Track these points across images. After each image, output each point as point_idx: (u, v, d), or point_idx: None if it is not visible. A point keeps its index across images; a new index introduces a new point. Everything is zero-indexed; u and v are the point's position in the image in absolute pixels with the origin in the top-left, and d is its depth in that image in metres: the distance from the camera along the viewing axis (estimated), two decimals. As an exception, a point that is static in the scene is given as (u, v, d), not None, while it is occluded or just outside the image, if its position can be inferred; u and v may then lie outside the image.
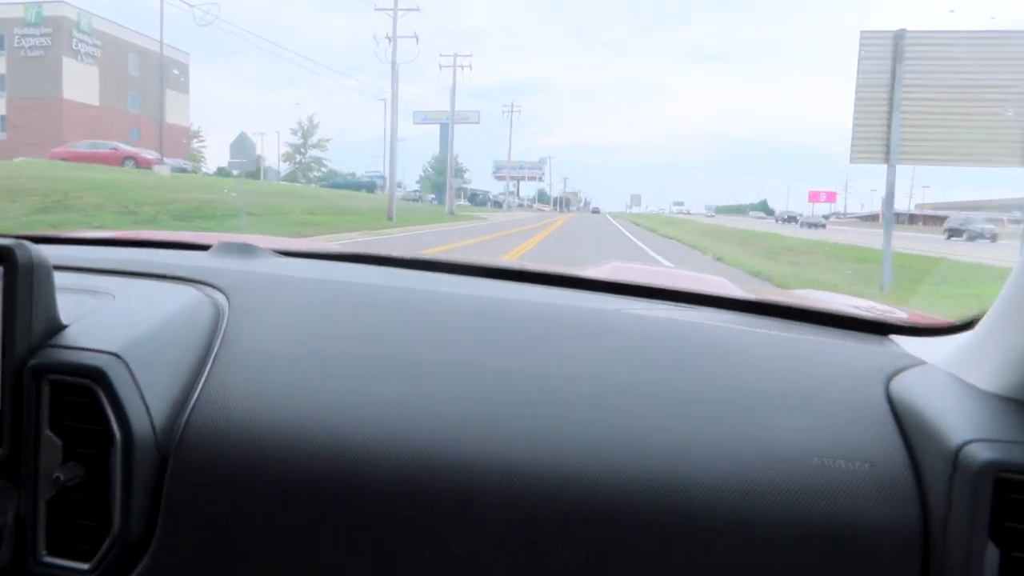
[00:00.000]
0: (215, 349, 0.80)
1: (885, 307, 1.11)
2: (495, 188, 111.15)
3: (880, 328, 0.89)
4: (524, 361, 0.78)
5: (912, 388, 0.72)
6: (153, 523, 0.72)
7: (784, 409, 0.71)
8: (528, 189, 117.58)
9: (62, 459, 0.71)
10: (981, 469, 0.58)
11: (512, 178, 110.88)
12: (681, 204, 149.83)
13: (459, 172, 61.89)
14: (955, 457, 0.60)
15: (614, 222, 40.69)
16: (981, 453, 0.59)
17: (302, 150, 56.13)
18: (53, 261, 0.73)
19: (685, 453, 0.68)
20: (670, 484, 0.66)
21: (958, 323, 0.80)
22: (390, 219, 23.37)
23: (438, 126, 65.52)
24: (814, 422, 0.70)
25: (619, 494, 0.66)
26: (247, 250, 1.07)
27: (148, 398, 0.72)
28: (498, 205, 62.43)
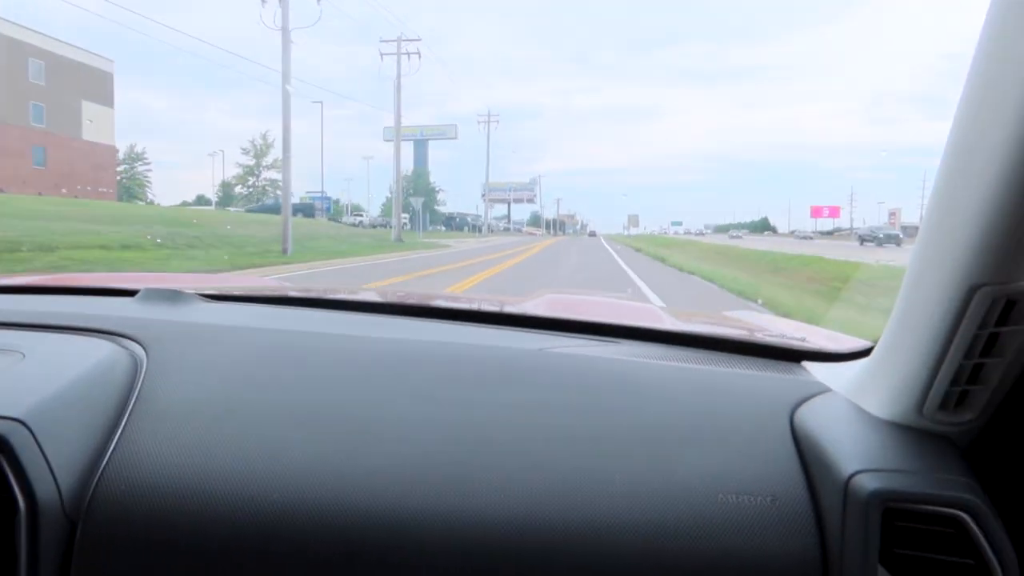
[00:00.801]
0: (129, 407, 0.78)
1: (802, 328, 1.14)
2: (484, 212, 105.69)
3: (792, 355, 0.92)
4: (448, 408, 0.78)
5: (813, 418, 0.73)
6: None
7: (693, 444, 0.73)
8: (523, 212, 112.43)
9: None
10: (868, 499, 0.60)
11: (501, 200, 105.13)
12: (680, 224, 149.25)
13: (430, 192, 55.05)
14: (845, 488, 0.62)
15: (608, 246, 34.15)
16: (868, 483, 0.61)
17: (255, 172, 49.47)
18: None
19: (600, 493, 0.69)
20: (586, 525, 0.67)
21: (863, 348, 0.83)
22: (285, 253, 16.91)
23: (412, 143, 59.12)
24: (721, 457, 0.71)
25: (540, 537, 0.67)
26: (173, 296, 1.05)
27: (54, 464, 0.69)
28: (476, 229, 55.73)
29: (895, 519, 0.60)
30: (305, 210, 35.60)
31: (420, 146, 58.96)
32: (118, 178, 48.84)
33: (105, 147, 40.20)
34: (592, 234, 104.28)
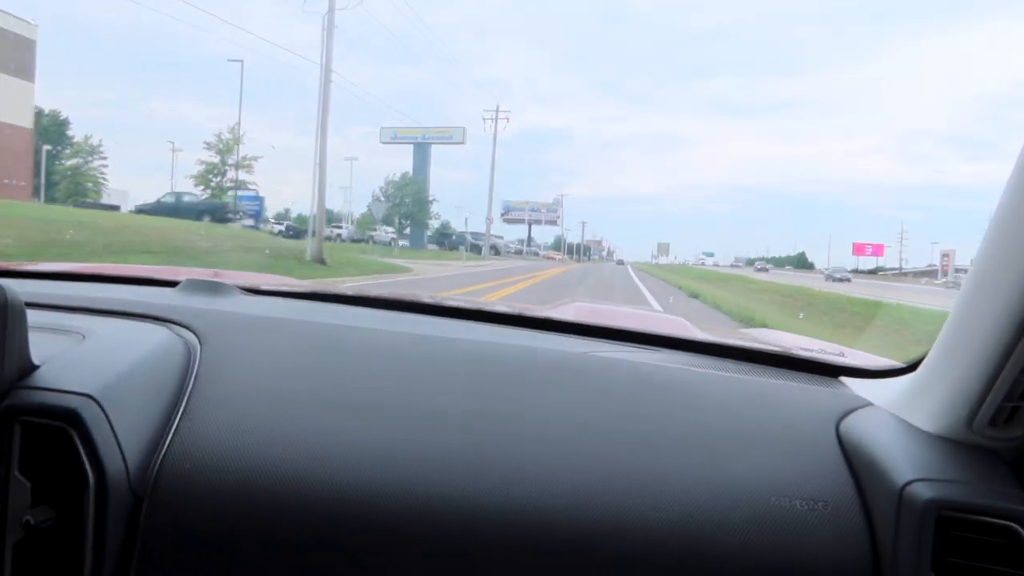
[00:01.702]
0: (188, 390, 0.81)
1: (835, 348, 1.15)
2: (508, 232, 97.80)
3: (830, 370, 0.94)
4: (499, 404, 0.80)
5: (860, 429, 0.75)
6: (127, 567, 0.71)
7: (744, 449, 0.74)
8: (547, 234, 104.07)
9: (31, 502, 0.69)
10: (924, 507, 0.62)
11: (520, 220, 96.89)
12: (712, 255, 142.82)
13: (421, 201, 46.32)
14: (900, 496, 0.64)
15: (637, 280, 25.25)
16: (923, 492, 0.63)
17: (220, 170, 41.31)
18: (22, 298, 0.72)
19: (653, 491, 0.71)
20: (641, 519, 0.69)
21: (901, 366, 0.84)
22: None
23: (412, 146, 50.86)
24: (771, 462, 0.73)
25: (592, 529, 0.69)
26: (214, 287, 1.08)
27: (122, 440, 0.72)
28: (476, 250, 47.34)
29: (948, 528, 0.62)
30: (214, 212, 27.23)
31: (421, 151, 50.50)
32: (69, 174, 41.47)
33: (15, 129, 32.55)
34: (620, 263, 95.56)
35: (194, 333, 0.90)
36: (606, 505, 0.70)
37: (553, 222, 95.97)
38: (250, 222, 30.77)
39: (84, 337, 0.83)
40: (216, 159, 41.26)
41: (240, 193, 35.81)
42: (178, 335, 0.89)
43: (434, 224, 37.79)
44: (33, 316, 0.73)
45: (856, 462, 0.72)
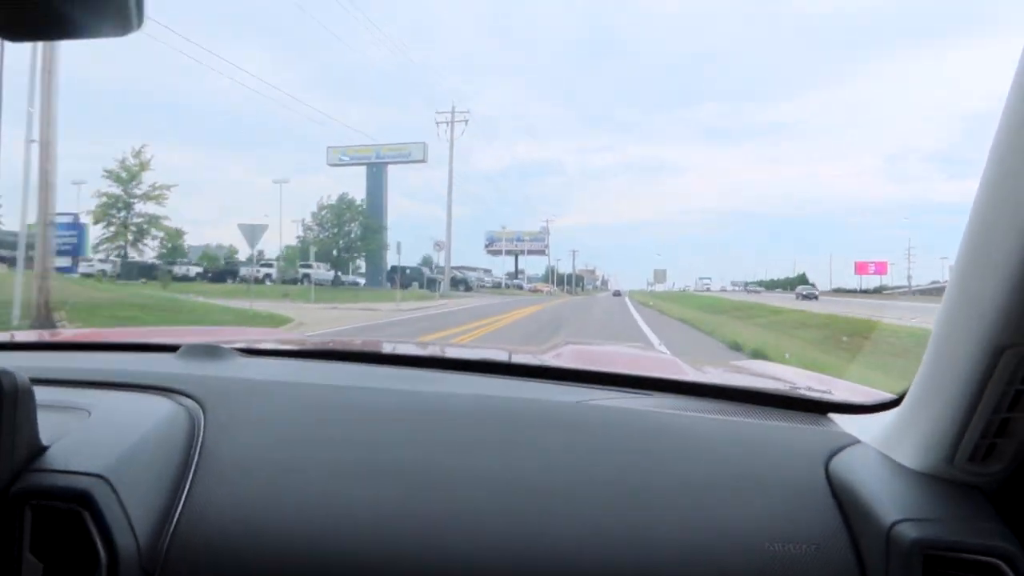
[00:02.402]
0: (194, 463, 0.82)
1: (823, 380, 1.19)
2: (494, 265, 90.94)
3: (819, 407, 0.95)
4: (497, 460, 0.81)
5: (848, 469, 0.77)
6: None
7: (736, 495, 0.76)
8: (538, 266, 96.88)
9: None
10: (910, 547, 0.63)
11: (504, 252, 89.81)
12: (709, 279, 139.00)
13: (371, 229, 38.54)
14: (887, 536, 0.65)
15: (643, 322, 17.84)
16: (909, 532, 0.64)
17: (124, 203, 33.86)
18: (27, 374, 0.72)
19: (650, 543, 0.72)
20: (635, 571, 0.70)
21: (887, 400, 0.86)
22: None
23: (364, 168, 43.32)
24: (763, 506, 0.74)
25: None
26: (213, 352, 1.09)
27: (132, 518, 0.72)
28: (431, 285, 39.84)
29: (935, 567, 0.63)
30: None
31: (375, 173, 42.44)
32: None
33: None
34: (617, 293, 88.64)
35: (197, 402, 0.90)
36: (603, 557, 0.71)
37: (541, 252, 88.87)
38: (66, 262, 23.16)
39: (90, 414, 0.83)
40: (119, 190, 33.91)
41: (64, 216, 27.97)
42: (181, 404, 0.90)
43: (394, 257, 30.49)
44: (40, 393, 0.74)
45: (845, 502, 0.73)
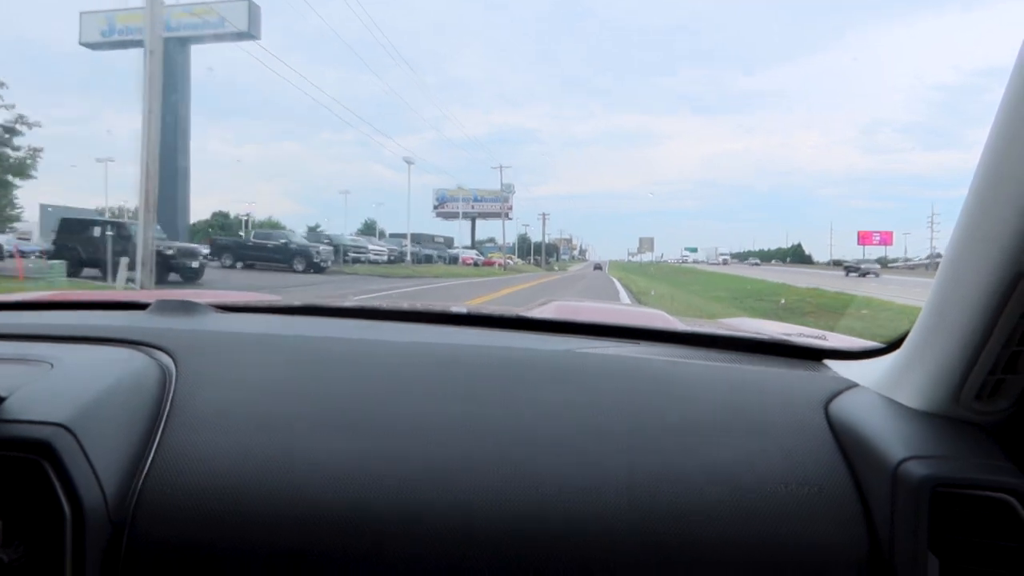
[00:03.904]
0: (165, 413, 0.79)
1: (816, 332, 1.16)
2: (447, 230, 75.34)
3: (813, 354, 0.94)
4: (488, 407, 0.79)
5: (848, 411, 0.76)
6: None
7: (735, 438, 0.74)
8: (510, 233, 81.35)
9: (2, 540, 0.66)
10: (919, 484, 0.62)
11: (455, 214, 74.21)
12: (695, 251, 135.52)
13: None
14: (894, 475, 0.65)
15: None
16: (917, 470, 0.63)
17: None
18: None
19: (647, 486, 0.71)
20: (638, 515, 0.69)
21: (883, 345, 0.85)
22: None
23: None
24: (763, 449, 0.73)
25: (588, 528, 0.69)
26: (187, 307, 1.05)
27: (98, 469, 0.70)
28: (355, 259, 23.46)
29: (943, 505, 0.62)
30: None
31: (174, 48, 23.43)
32: None
33: None
34: (598, 267, 78.85)
35: (168, 354, 0.87)
36: (601, 503, 0.69)
37: (502, 215, 73.28)
38: None
39: (52, 366, 0.80)
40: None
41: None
42: (152, 357, 0.86)
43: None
44: None
45: (847, 444, 0.72)
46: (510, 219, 73.41)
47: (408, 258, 36.08)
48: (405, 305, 1.19)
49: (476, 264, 46.81)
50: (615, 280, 28.98)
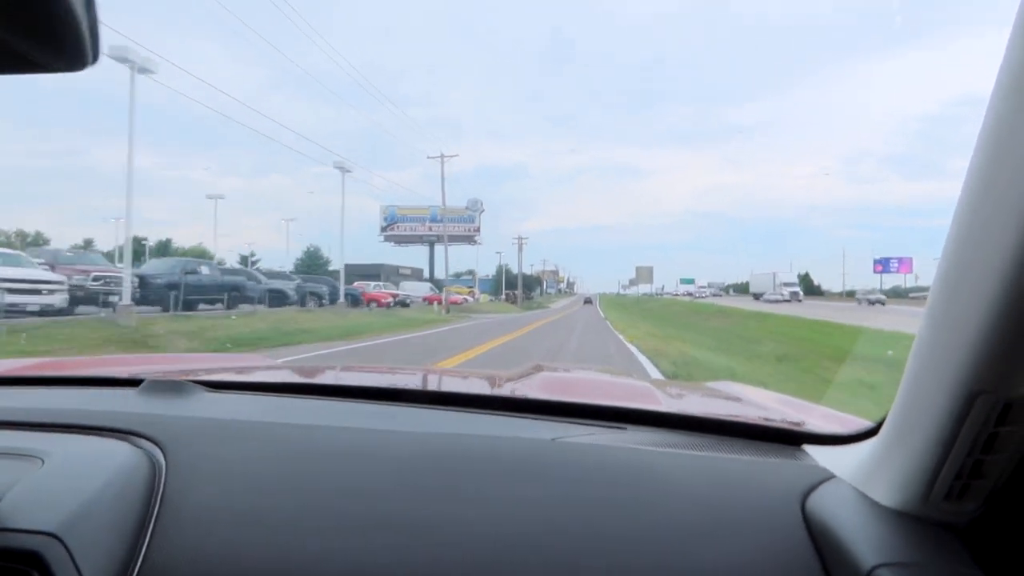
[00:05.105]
0: (154, 514, 0.78)
1: (799, 406, 1.20)
2: (395, 258, 61.41)
3: (792, 438, 0.95)
4: (467, 507, 0.79)
5: (824, 507, 0.76)
6: None
7: (713, 538, 0.75)
8: (488, 264, 67.54)
9: None
10: None
11: (415, 240, 59.89)
12: (691, 282, 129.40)
13: None
14: None
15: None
16: None
17: None
18: None
19: None
20: None
21: (862, 431, 0.85)
22: None
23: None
24: (741, 549, 0.73)
25: None
26: (177, 388, 1.07)
27: None
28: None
29: None
30: None
31: None
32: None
33: None
34: (588, 301, 73.56)
35: (158, 445, 0.87)
36: None
37: (469, 238, 59.05)
38: None
39: (43, 462, 0.80)
40: None
41: None
42: (141, 449, 0.86)
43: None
44: None
45: (822, 545, 0.72)
46: (477, 243, 59.05)
47: (337, 295, 18.37)
48: (397, 383, 1.22)
49: (412, 301, 32.96)
50: (621, 337, 14.75)
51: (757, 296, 73.19)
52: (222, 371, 1.33)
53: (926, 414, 0.63)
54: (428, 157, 34.58)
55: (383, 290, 31.58)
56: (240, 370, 1.43)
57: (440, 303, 33.35)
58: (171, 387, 1.06)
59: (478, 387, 1.22)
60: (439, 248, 60.58)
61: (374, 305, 27.99)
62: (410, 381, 1.24)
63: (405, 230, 57.87)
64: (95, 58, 0.46)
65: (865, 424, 0.85)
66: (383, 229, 58.45)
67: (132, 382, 1.09)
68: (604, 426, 0.97)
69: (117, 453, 0.84)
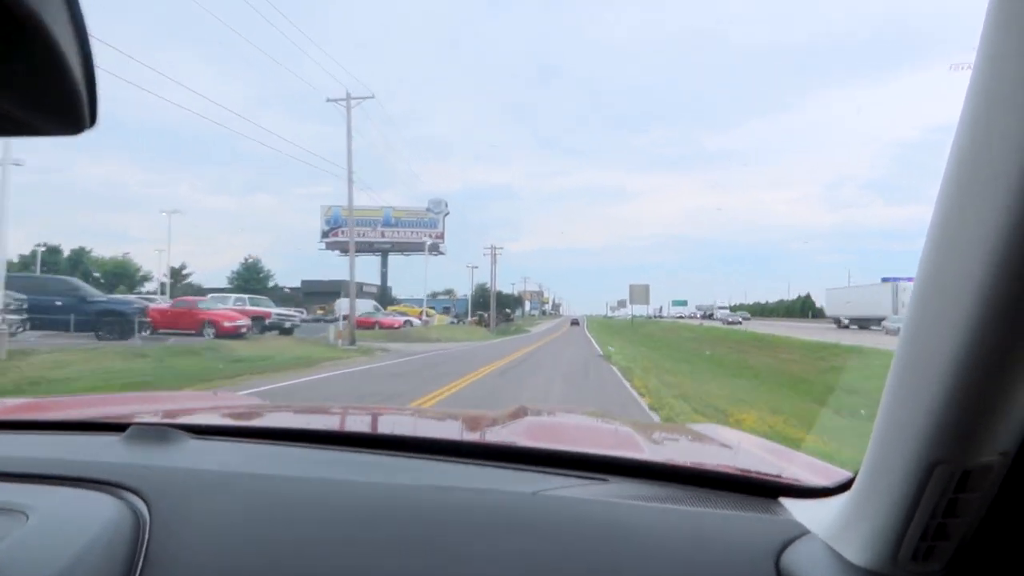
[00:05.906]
0: (138, 569, 0.79)
1: (780, 453, 1.27)
2: (336, 270, 51.08)
3: (770, 490, 0.98)
4: (449, 563, 0.80)
5: (798, 564, 0.78)
6: None
7: None
8: (455, 281, 56.71)
9: None
10: None
11: (366, 249, 49.46)
12: (684, 303, 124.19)
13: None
14: None
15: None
16: None
17: None
18: None
19: None
20: None
21: (839, 484, 0.88)
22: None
23: None
24: None
25: None
26: (162, 435, 1.07)
27: None
28: None
29: None
30: None
31: None
32: None
33: None
34: (575, 323, 74.15)
35: (142, 499, 0.87)
36: None
37: (432, 247, 48.58)
38: None
39: (27, 517, 0.80)
40: None
41: None
42: (125, 501, 0.87)
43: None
44: None
45: None
46: (440, 253, 48.53)
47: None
48: (382, 430, 1.27)
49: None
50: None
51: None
52: (208, 413, 1.36)
53: (890, 478, 0.65)
54: (327, 100, 23.81)
55: (231, 307, 20.84)
56: (226, 413, 1.46)
57: (356, 327, 22.69)
58: (156, 434, 1.05)
59: (463, 432, 1.26)
60: (396, 259, 50.05)
61: (214, 333, 17.31)
62: (398, 425, 1.28)
63: (341, 243, 47.55)
64: (93, 122, 0.46)
65: (843, 475, 0.88)
66: (325, 235, 47.89)
67: (117, 427, 1.10)
68: (586, 477, 0.99)
69: (102, 507, 0.84)
